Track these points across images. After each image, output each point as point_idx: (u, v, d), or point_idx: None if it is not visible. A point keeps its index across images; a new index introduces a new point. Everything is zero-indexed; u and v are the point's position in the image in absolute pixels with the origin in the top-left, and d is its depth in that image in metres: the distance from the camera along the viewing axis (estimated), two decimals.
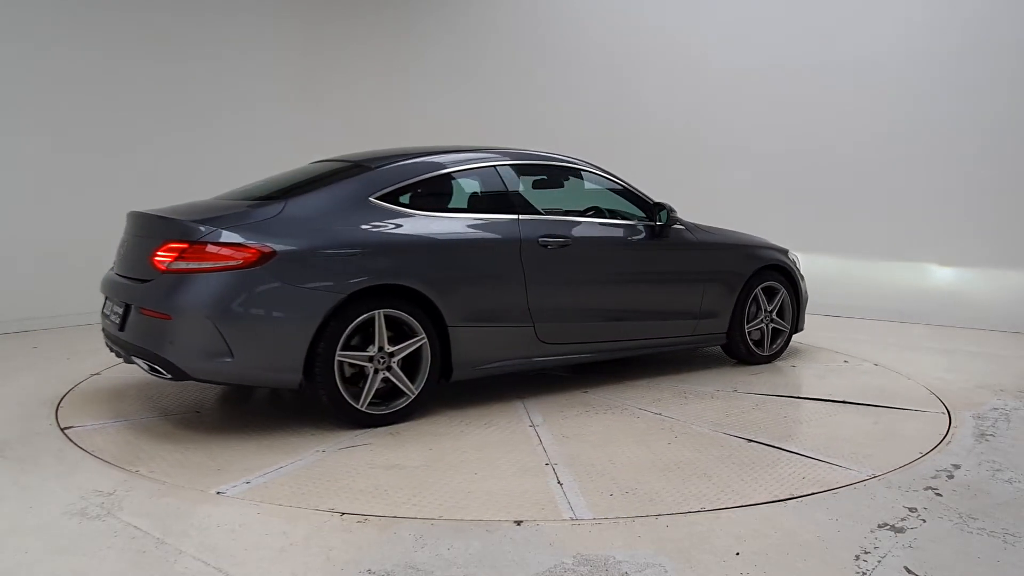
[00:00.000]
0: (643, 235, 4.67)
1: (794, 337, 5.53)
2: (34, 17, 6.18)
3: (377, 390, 3.71)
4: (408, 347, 3.73)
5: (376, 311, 3.63)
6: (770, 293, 5.20)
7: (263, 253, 3.43)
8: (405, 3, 8.64)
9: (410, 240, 3.80)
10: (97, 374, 4.79)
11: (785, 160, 7.47)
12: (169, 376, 3.49)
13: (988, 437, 3.73)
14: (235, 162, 7.34)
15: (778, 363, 5.26)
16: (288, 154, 6.63)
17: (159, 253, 3.51)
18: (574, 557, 2.44)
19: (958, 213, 6.85)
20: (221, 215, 3.62)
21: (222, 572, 2.33)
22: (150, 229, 3.73)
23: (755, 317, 5.15)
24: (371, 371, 3.66)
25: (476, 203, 4.30)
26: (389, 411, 3.75)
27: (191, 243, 3.45)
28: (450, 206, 4.21)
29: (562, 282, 4.27)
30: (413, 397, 3.79)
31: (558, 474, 3.16)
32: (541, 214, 4.38)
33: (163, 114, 7.00)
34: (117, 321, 3.72)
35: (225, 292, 3.39)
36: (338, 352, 3.55)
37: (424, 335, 3.76)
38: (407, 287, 3.72)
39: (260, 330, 3.47)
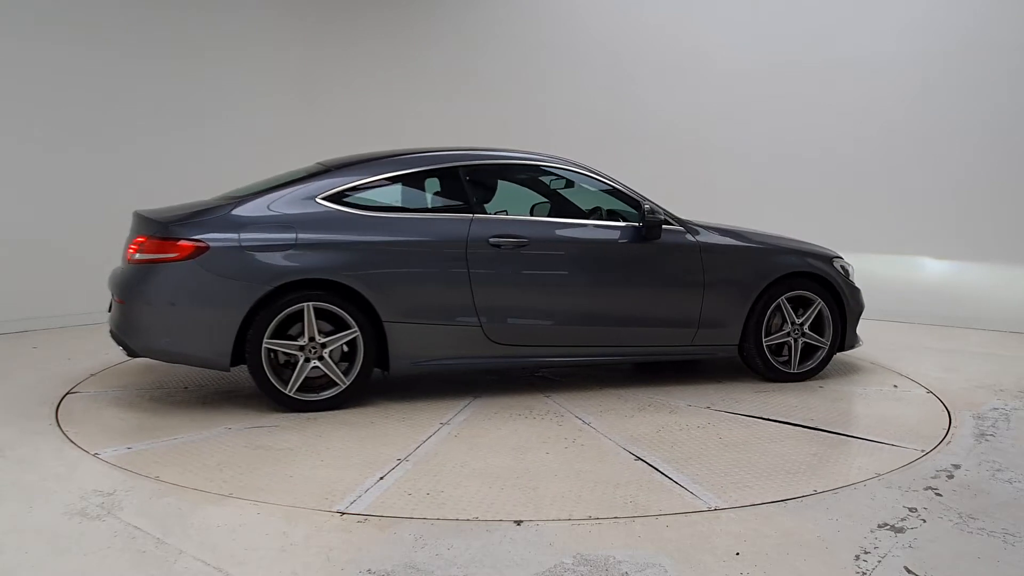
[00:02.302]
0: (624, 236, 4.43)
1: (854, 351, 4.99)
2: (33, 16, 6.17)
3: (319, 378, 3.98)
4: (339, 339, 3.95)
5: (305, 303, 3.88)
6: (804, 304, 4.69)
7: (196, 247, 3.83)
8: (406, 3, 8.64)
9: (343, 238, 3.99)
10: (96, 374, 4.79)
11: (785, 159, 7.46)
12: (127, 353, 4.03)
13: (988, 437, 3.73)
14: (237, 162, 7.34)
15: (809, 382, 4.71)
16: (289, 154, 6.61)
17: (131, 247, 3.99)
18: (574, 557, 2.44)
19: (958, 212, 6.85)
20: (179, 214, 4.02)
21: (222, 572, 2.33)
22: (135, 225, 4.15)
23: (780, 329, 4.67)
24: (301, 359, 3.92)
25: (429, 203, 4.39)
26: (319, 398, 3.98)
27: (147, 237, 3.92)
28: (400, 206, 4.31)
29: (516, 283, 4.22)
30: (344, 387, 3.99)
31: (392, 470, 3.20)
32: (503, 213, 4.40)
33: (163, 114, 6.99)
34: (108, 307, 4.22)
35: (162, 281, 3.86)
36: (265, 340, 3.86)
37: (356, 328, 3.95)
38: (338, 282, 3.93)
39: (191, 316, 3.87)
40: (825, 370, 4.85)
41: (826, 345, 4.75)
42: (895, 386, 4.70)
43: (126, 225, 4.21)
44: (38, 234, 6.26)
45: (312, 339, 3.91)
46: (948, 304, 6.80)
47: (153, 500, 2.87)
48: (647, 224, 4.39)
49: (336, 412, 3.97)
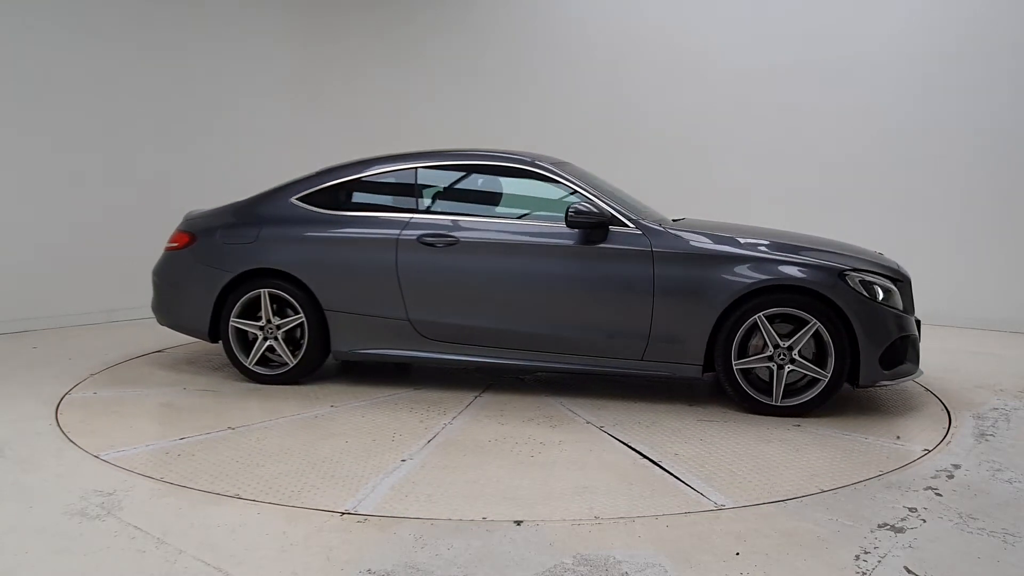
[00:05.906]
0: (563, 237, 4.14)
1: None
2: (35, 15, 6.16)
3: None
4: (289, 323, 4.46)
5: (262, 290, 4.43)
6: (798, 324, 3.92)
7: (191, 239, 4.67)
8: (408, 4, 8.65)
9: (295, 233, 4.46)
10: (96, 374, 4.79)
11: (784, 159, 7.46)
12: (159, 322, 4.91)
13: (988, 437, 3.73)
14: (238, 161, 7.35)
15: (791, 419, 3.91)
16: (290, 153, 6.61)
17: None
18: (574, 557, 2.44)
19: (958, 212, 6.84)
20: (200, 211, 4.85)
21: (222, 572, 2.33)
22: None
23: (761, 351, 3.96)
24: (260, 338, 4.49)
25: (379, 203, 4.61)
26: (272, 373, 4.53)
27: (177, 231, 4.79)
28: (357, 205, 4.58)
29: (446, 282, 4.24)
30: (291, 366, 4.48)
31: (203, 435, 3.62)
32: (455, 213, 4.39)
33: (164, 113, 6.99)
34: None
35: (166, 266, 4.79)
36: (231, 319, 4.49)
37: (302, 314, 4.40)
38: (286, 272, 4.40)
39: (181, 296, 4.71)
40: (844, 404, 4.14)
41: (825, 377, 3.90)
42: (898, 438, 3.69)
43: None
44: (39, 234, 6.26)
45: (269, 321, 4.46)
46: (947, 304, 6.80)
47: (153, 500, 2.88)
48: (569, 224, 4.08)
49: (283, 386, 4.48)
